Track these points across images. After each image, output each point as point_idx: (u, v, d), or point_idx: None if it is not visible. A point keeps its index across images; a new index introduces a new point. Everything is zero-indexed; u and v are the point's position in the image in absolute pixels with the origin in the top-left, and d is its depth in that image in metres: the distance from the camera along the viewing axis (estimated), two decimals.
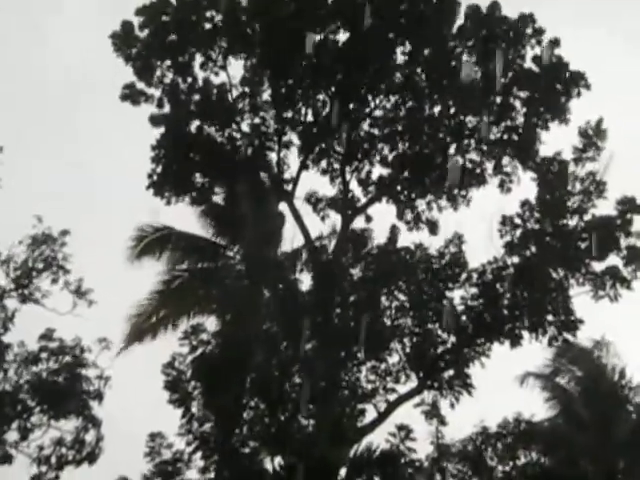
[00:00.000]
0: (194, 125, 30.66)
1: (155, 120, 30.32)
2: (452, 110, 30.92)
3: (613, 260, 28.72)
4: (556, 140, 29.98)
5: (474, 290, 29.34)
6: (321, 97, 30.65)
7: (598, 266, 28.79)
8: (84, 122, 46.54)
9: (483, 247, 29.32)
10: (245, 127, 30.93)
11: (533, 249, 29.08)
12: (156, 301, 30.53)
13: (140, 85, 30.54)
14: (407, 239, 30.13)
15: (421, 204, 31.68)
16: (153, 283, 30.40)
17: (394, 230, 30.07)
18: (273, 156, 31.17)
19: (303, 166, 31.12)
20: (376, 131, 30.79)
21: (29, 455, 26.96)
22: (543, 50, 29.99)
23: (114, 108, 31.02)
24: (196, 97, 30.57)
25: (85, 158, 46.11)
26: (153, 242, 30.84)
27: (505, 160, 31.09)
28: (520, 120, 30.59)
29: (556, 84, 30.03)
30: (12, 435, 26.95)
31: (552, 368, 31.66)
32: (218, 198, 31.11)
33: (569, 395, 30.96)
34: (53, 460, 26.82)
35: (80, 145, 46.48)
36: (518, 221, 29.29)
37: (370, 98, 30.88)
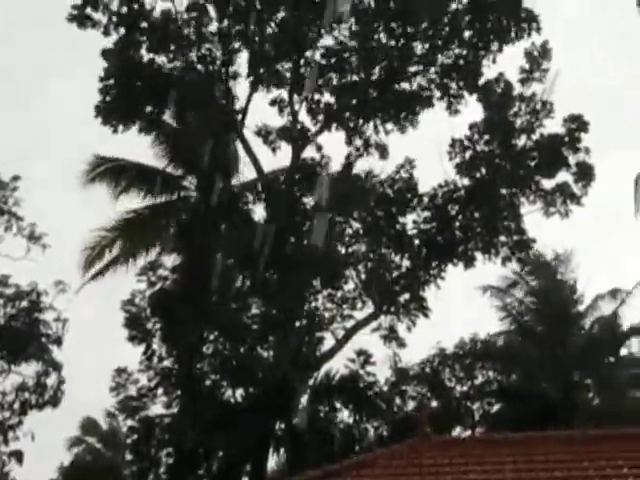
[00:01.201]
0: (143, 55, 30.31)
1: (106, 54, 29.89)
2: (400, 37, 30.75)
3: (563, 177, 29.14)
4: (502, 65, 30.13)
5: (426, 214, 29.65)
6: (271, 26, 30.50)
7: (548, 184, 29.24)
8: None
9: (434, 171, 29.64)
10: (193, 57, 30.61)
11: (483, 170, 29.37)
12: (112, 235, 30.58)
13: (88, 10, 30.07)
14: (360, 167, 30.33)
15: (368, 128, 31.58)
16: (107, 217, 30.48)
17: (349, 157, 30.13)
18: (221, 87, 30.91)
19: (253, 91, 30.87)
20: (324, 61, 30.60)
21: None
22: None
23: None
24: (144, 24, 30.17)
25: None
26: (107, 171, 30.72)
27: (452, 84, 31.06)
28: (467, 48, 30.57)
29: (509, 19, 29.94)
30: None
31: (509, 281, 31.89)
32: (167, 128, 30.87)
33: (525, 309, 31.34)
34: (16, 405, 26.79)
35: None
36: (467, 143, 29.53)
37: (319, 27, 30.66)
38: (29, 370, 27.09)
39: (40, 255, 27.15)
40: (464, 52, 30.37)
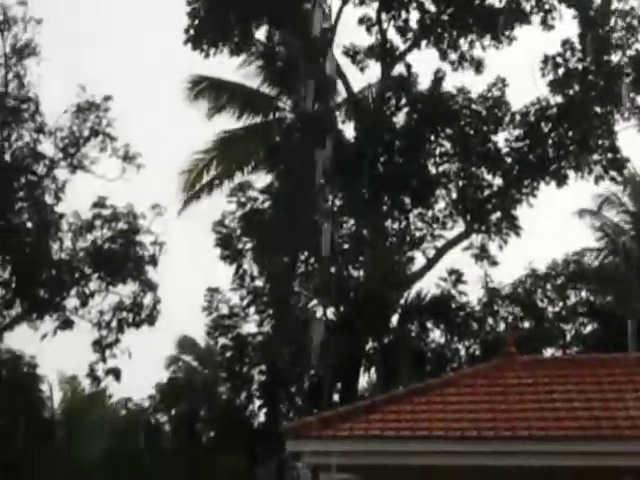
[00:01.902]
0: None
1: None
2: None
3: None
4: None
5: (518, 132, 29.28)
6: None
7: None
8: None
9: (526, 88, 29.20)
10: None
11: (576, 87, 28.82)
12: (209, 156, 30.87)
13: None
14: (451, 83, 30.00)
15: (464, 44, 31.14)
16: (203, 138, 30.72)
17: (438, 74, 29.77)
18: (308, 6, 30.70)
19: (342, 7, 30.62)
20: None
21: (90, 320, 27.68)
22: None
23: None
24: None
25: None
26: (207, 88, 30.87)
27: None
28: None
29: None
30: (72, 302, 27.64)
31: (602, 200, 31.28)
32: (259, 47, 30.80)
33: (620, 230, 30.78)
34: (113, 324, 27.48)
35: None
36: (560, 60, 28.99)
37: None
38: (126, 290, 27.83)
39: (135, 175, 27.75)
40: None
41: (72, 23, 41.14)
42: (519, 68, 29.63)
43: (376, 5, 30.75)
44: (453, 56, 30.87)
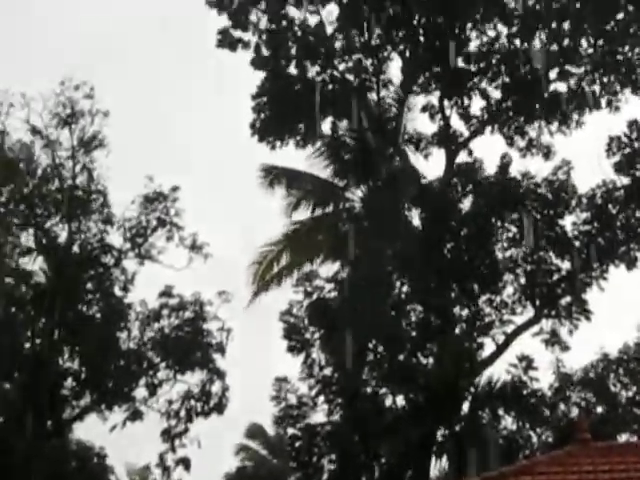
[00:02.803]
0: (293, 69, 30.66)
1: (256, 63, 30.35)
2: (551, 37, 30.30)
3: None
4: None
5: (586, 214, 29.02)
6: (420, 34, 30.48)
7: None
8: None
9: (593, 170, 29.02)
10: (342, 68, 30.84)
11: None
12: (279, 247, 31.05)
13: (235, 32, 30.59)
14: (516, 167, 29.98)
15: (532, 129, 31.21)
16: (273, 231, 30.99)
17: (505, 159, 29.78)
18: (373, 96, 31.06)
19: (405, 99, 30.89)
20: (472, 66, 30.37)
21: (158, 410, 27.77)
22: None
23: None
24: (293, 39, 30.52)
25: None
26: (280, 176, 31.21)
27: (610, 81, 30.45)
28: (621, 41, 29.92)
29: None
30: (141, 392, 27.80)
31: None
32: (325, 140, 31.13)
33: None
34: (182, 413, 27.56)
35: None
36: (625, 141, 28.83)
37: (465, 32, 30.48)
38: (194, 378, 27.95)
39: (202, 265, 28.05)
40: (625, 49, 29.75)
41: (138, 114, 41.90)
42: (584, 150, 29.56)
43: (438, 93, 31.01)
44: (521, 143, 30.98)
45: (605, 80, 30.61)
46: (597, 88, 30.66)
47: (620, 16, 29.84)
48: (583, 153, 29.70)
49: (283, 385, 28.45)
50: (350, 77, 30.88)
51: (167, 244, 28.51)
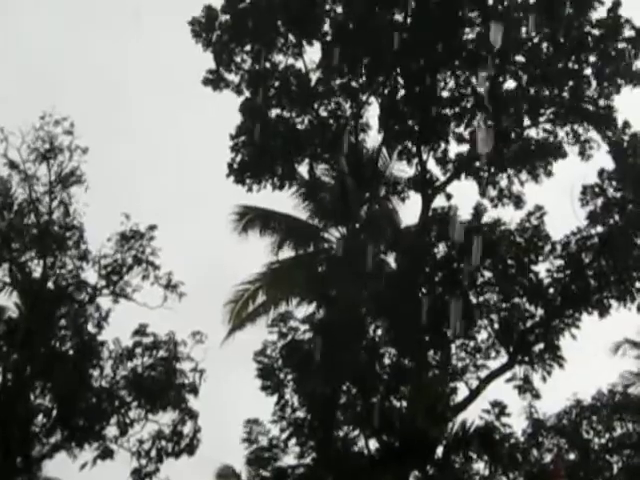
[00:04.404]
0: (273, 111, 30.83)
1: (244, 108, 30.48)
2: (523, 82, 30.69)
3: None
4: (628, 104, 29.83)
5: (559, 262, 29.20)
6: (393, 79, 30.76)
7: None
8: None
9: (566, 218, 29.30)
10: (322, 112, 31.05)
11: (616, 217, 28.91)
12: (254, 286, 31.10)
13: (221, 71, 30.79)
14: (489, 215, 30.17)
15: (502, 179, 31.55)
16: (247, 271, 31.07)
17: (478, 207, 30.00)
18: (351, 139, 31.27)
19: (383, 144, 31.19)
20: (447, 110, 30.67)
21: (129, 449, 27.51)
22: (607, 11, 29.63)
23: None
24: (276, 83, 30.73)
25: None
26: (256, 218, 31.28)
27: (581, 129, 30.86)
28: (592, 86, 30.37)
29: (620, 44, 29.66)
30: (112, 430, 27.56)
31: None
32: (302, 181, 31.34)
33: None
34: (153, 453, 27.29)
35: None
36: (598, 190, 29.15)
37: (439, 77, 30.81)
38: (166, 418, 27.74)
39: (177, 303, 27.95)
40: (595, 96, 30.18)
41: (117, 152, 41.90)
42: (558, 197, 29.89)
43: (415, 137, 31.27)
44: (492, 192, 31.27)
45: (575, 127, 30.95)
46: (565, 135, 31.01)
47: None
48: (557, 198, 30.09)
49: (254, 427, 28.36)
50: (329, 121, 31.10)
51: (142, 282, 28.40)
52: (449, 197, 30.74)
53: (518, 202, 31.42)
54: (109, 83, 46.59)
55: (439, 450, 27.41)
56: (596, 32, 29.71)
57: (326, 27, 30.72)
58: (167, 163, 47.49)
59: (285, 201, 31.34)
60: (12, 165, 28.57)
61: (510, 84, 30.74)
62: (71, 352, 28.12)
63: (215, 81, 30.57)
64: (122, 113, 46.55)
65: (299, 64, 30.83)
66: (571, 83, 30.19)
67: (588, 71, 30.19)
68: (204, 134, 43.31)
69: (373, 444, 27.45)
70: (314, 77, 30.82)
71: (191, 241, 38.83)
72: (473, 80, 30.88)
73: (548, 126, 31.02)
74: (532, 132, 31.10)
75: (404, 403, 28.00)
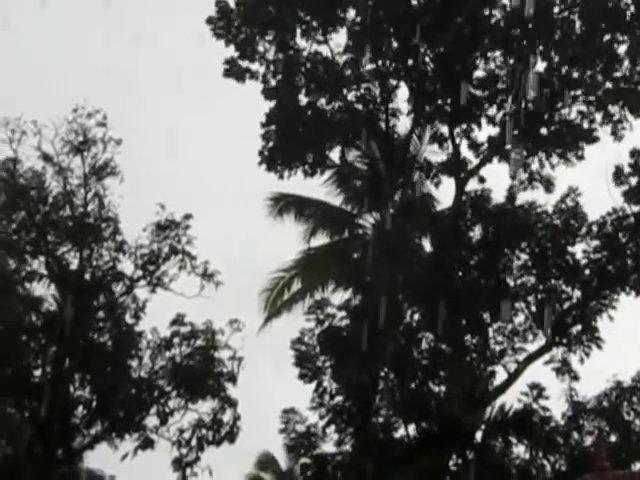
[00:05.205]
0: (302, 98, 30.76)
1: (268, 94, 30.43)
2: (556, 63, 30.44)
3: None
4: None
5: (595, 243, 29.08)
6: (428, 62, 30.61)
7: None
8: None
9: (599, 201, 29.15)
10: (351, 97, 30.93)
11: None
12: (290, 274, 31.12)
13: (243, 62, 30.68)
14: (524, 198, 30.04)
15: (533, 162, 31.36)
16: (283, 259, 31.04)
17: (512, 190, 29.87)
18: (382, 124, 31.15)
19: (414, 127, 31.04)
20: (479, 92, 30.50)
21: (169, 439, 27.63)
22: None
23: None
24: (302, 69, 30.64)
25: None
26: (288, 206, 31.28)
27: (614, 109, 30.60)
28: (625, 66, 30.11)
29: None
30: (152, 420, 27.68)
31: None
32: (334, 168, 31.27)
33: None
34: (193, 442, 27.40)
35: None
36: (632, 170, 28.96)
37: (469, 59, 30.61)
38: (205, 407, 27.81)
39: (214, 292, 28.03)
40: (627, 74, 29.93)
41: (151, 142, 41.93)
42: (590, 180, 29.71)
43: (447, 121, 31.10)
44: (523, 175, 31.08)
45: (608, 108, 30.71)
46: (598, 116, 30.78)
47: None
48: (588, 182, 29.91)
49: (290, 417, 28.42)
50: (359, 106, 30.97)
51: (179, 272, 28.46)
52: (482, 180, 30.58)
53: (548, 185, 31.21)
54: (131, 78, 46.71)
55: (478, 435, 27.45)
56: (632, 10, 29.43)
57: (351, 13, 30.63)
58: (197, 154, 47.41)
59: (317, 189, 31.35)
60: (46, 158, 28.66)
61: (541, 65, 30.47)
62: (109, 343, 28.24)
63: (239, 72, 30.45)
64: (147, 106, 46.63)
65: (324, 49, 30.73)
66: (604, 63, 29.91)
67: (621, 50, 29.96)
68: (231, 124, 43.35)
69: (412, 430, 27.53)
70: (341, 62, 30.63)
71: (224, 230, 38.81)
72: (504, 61, 30.73)
73: (581, 107, 30.76)
74: (564, 114, 30.81)
75: (442, 388, 27.99)
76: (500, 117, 30.95)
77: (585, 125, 30.73)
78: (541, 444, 27.20)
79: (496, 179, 30.45)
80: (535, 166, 31.26)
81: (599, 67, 30.07)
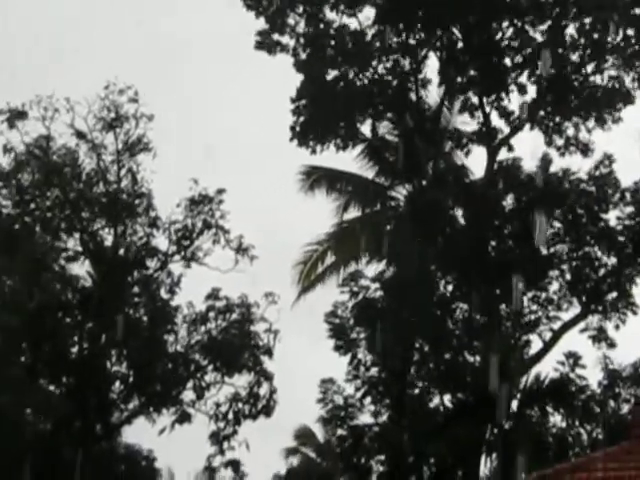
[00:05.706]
0: (332, 72, 30.64)
1: (299, 67, 30.36)
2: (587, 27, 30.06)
3: None
4: None
5: (630, 209, 28.85)
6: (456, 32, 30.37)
7: None
8: None
9: (635, 164, 28.84)
10: (381, 70, 30.78)
11: None
12: (323, 247, 31.14)
13: (274, 35, 30.61)
14: (557, 165, 29.82)
15: (568, 127, 31.07)
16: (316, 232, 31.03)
17: (546, 157, 29.62)
18: (412, 96, 30.98)
19: (444, 97, 30.86)
20: (508, 60, 30.23)
21: (206, 413, 27.85)
22: None
23: None
24: (331, 42, 30.52)
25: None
26: (320, 180, 31.27)
27: None
28: None
29: None
30: (188, 394, 27.90)
31: None
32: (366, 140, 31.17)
33: None
34: (230, 416, 27.60)
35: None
36: None
37: (497, 27, 30.31)
38: (241, 381, 27.97)
39: (249, 266, 28.12)
40: None
41: (181, 118, 41.98)
42: (626, 143, 29.40)
43: (477, 90, 30.89)
44: (559, 141, 30.81)
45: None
46: (631, 81, 30.42)
47: None
48: (627, 145, 29.62)
49: (329, 387, 28.51)
50: (388, 78, 30.82)
51: (213, 246, 28.57)
52: (511, 148, 30.33)
53: (586, 150, 30.90)
54: (163, 52, 46.75)
55: (514, 404, 27.43)
56: None
57: None
58: (230, 127, 47.40)
59: (349, 163, 31.26)
60: (79, 135, 28.81)
61: (572, 30, 30.11)
62: (145, 319, 28.44)
63: (270, 45, 30.38)
64: (177, 80, 46.64)
65: (352, 22, 30.57)
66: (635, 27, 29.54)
67: None
68: (263, 97, 43.32)
69: (448, 400, 27.56)
70: (369, 35, 30.47)
71: (258, 204, 38.73)
72: (533, 27, 30.42)
73: (613, 72, 30.42)
74: (597, 78, 30.50)
75: (477, 358, 27.97)
76: (531, 84, 30.71)
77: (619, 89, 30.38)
78: (577, 413, 27.18)
79: (529, 147, 30.28)
80: (571, 131, 30.99)
81: (631, 31, 29.73)
